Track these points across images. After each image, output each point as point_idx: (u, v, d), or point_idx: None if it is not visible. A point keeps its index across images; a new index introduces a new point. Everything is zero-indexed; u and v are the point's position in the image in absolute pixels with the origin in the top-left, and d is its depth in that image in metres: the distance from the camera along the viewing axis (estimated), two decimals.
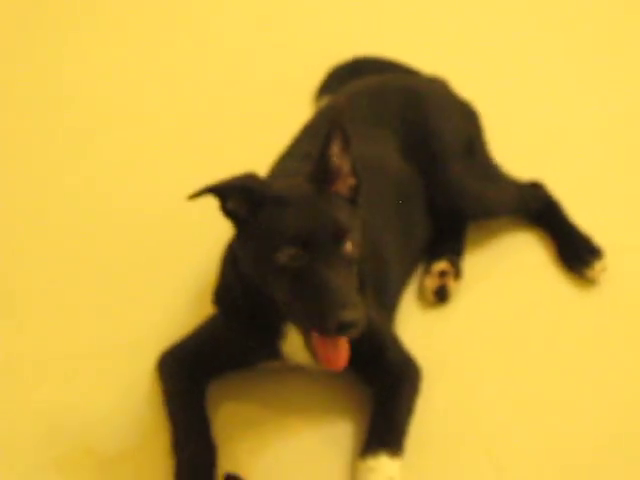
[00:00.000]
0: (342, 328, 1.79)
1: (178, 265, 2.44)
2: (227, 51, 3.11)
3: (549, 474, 2.05)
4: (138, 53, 3.14)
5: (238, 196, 1.88)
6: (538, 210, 2.51)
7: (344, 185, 1.93)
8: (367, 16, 3.23)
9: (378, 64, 2.76)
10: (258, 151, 2.47)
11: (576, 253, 2.44)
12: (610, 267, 2.42)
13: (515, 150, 2.65)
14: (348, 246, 1.86)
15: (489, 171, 2.49)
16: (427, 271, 2.38)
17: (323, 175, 1.90)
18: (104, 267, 2.45)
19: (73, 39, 3.17)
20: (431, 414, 2.11)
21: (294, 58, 3.04)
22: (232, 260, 2.02)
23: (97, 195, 2.64)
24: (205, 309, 2.20)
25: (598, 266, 2.40)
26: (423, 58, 2.87)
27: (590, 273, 2.40)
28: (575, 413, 2.16)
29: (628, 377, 2.24)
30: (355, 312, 1.79)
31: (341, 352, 1.89)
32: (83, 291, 2.40)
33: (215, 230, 2.26)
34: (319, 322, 1.81)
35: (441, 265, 2.37)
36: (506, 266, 2.46)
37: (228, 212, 1.90)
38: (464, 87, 2.63)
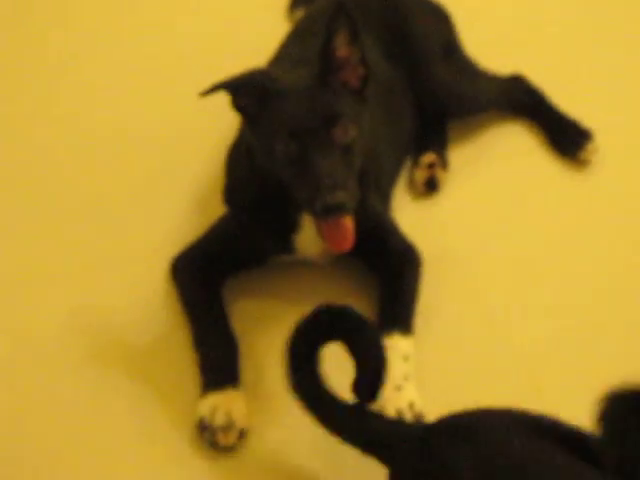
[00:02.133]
0: (328, 210, 1.90)
1: (182, 171, 2.48)
2: None
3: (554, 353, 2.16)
4: None
5: (248, 92, 1.96)
6: (522, 102, 2.60)
7: (353, 75, 2.00)
8: None
9: None
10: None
11: (566, 137, 2.53)
12: (601, 147, 2.51)
13: (490, 46, 2.71)
14: (339, 131, 1.94)
15: (469, 69, 2.56)
16: (415, 164, 2.47)
17: (328, 66, 1.96)
18: (110, 183, 2.49)
19: None
20: (432, 297, 2.21)
21: None
22: (243, 157, 2.10)
23: (93, 115, 2.67)
24: (212, 212, 2.26)
25: (590, 147, 2.50)
26: None
27: (583, 155, 2.50)
28: (574, 289, 2.27)
29: (627, 252, 2.35)
30: (339, 194, 1.88)
31: (345, 234, 1.99)
32: (93, 205, 2.44)
33: (213, 134, 2.36)
34: (310, 205, 1.92)
35: (428, 157, 2.46)
36: (493, 154, 2.55)
37: (239, 108, 1.98)
38: None
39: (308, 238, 2.11)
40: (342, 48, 1.96)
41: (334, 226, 1.98)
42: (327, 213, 1.90)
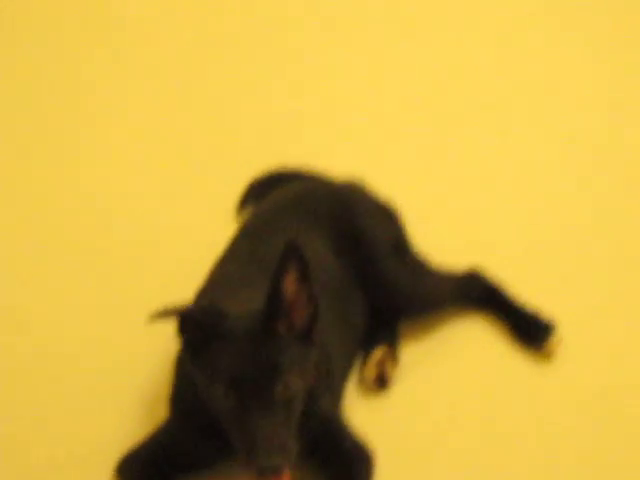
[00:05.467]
0: (263, 472, 1.87)
1: (129, 372, 2.46)
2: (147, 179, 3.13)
3: None
4: None
5: (194, 326, 1.94)
6: (479, 297, 2.59)
7: (301, 315, 1.97)
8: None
9: (296, 174, 2.86)
10: (188, 269, 2.56)
11: (529, 330, 2.51)
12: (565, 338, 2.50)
13: (445, 240, 2.76)
14: (280, 388, 1.91)
15: (420, 267, 2.56)
16: (365, 360, 2.46)
17: (274, 312, 1.94)
18: (53, 382, 2.47)
19: None
20: None
21: (211, 175, 3.10)
22: (185, 371, 2.07)
23: None
24: (159, 415, 2.25)
25: (553, 339, 2.49)
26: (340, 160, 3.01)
27: (547, 348, 2.49)
28: None
29: (589, 449, 2.32)
30: (275, 459, 1.86)
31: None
32: (34, 409, 2.41)
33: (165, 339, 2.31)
34: (245, 460, 1.89)
35: (378, 354, 2.45)
36: (448, 347, 2.53)
37: (183, 337, 1.97)
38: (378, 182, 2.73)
39: None
40: (290, 287, 1.94)
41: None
42: (261, 474, 1.87)
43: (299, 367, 1.94)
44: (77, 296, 2.71)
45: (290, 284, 1.93)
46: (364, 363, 2.46)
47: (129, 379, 2.45)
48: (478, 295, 2.60)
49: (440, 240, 2.74)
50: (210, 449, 2.13)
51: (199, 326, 1.93)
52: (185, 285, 2.40)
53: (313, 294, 1.96)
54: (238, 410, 1.90)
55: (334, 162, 2.96)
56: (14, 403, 2.43)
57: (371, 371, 2.44)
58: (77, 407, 2.40)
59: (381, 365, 2.44)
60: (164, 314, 1.91)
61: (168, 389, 2.21)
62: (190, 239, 2.86)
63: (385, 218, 2.57)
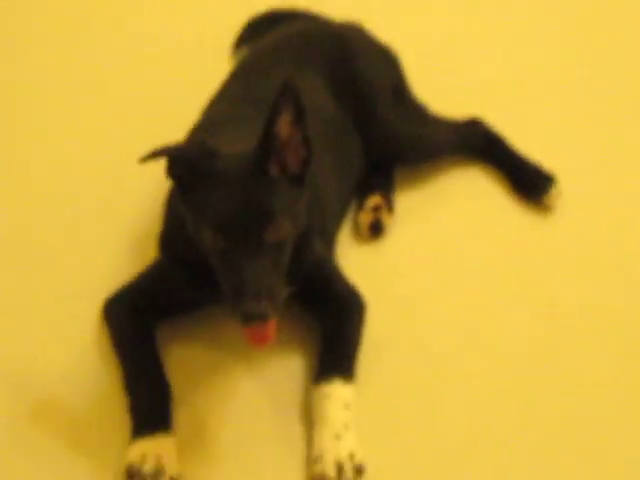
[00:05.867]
0: (247, 318, 1.81)
1: (117, 211, 2.42)
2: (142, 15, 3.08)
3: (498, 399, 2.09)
4: None
5: (184, 165, 1.87)
6: (479, 146, 2.55)
7: (294, 157, 1.90)
8: None
9: (292, 14, 2.77)
10: (182, 111, 2.48)
11: (529, 182, 2.48)
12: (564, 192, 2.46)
13: (445, 89, 2.68)
14: (271, 231, 1.84)
15: (420, 113, 2.51)
16: (361, 207, 2.42)
17: (267, 150, 1.87)
18: (46, 217, 2.43)
19: None
20: (376, 344, 2.14)
21: (207, 14, 3.03)
22: (176, 210, 2.00)
23: (29, 148, 2.63)
24: (147, 254, 2.20)
25: (554, 192, 2.45)
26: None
27: (547, 200, 2.45)
28: (526, 337, 2.20)
29: (587, 302, 2.28)
30: (262, 304, 1.80)
31: (264, 335, 1.89)
32: (25, 245, 2.37)
33: (154, 178, 2.29)
34: (231, 306, 1.83)
35: (374, 200, 2.41)
36: (443, 197, 2.49)
37: (174, 176, 1.90)
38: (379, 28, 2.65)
39: None
40: (285, 128, 1.86)
41: (254, 328, 1.89)
42: (246, 321, 1.81)
43: (290, 210, 1.87)
44: (72, 133, 2.66)
45: (284, 125, 1.86)
46: (359, 210, 2.42)
47: (117, 218, 2.41)
48: (478, 144, 2.55)
49: (439, 90, 2.66)
50: (198, 291, 2.09)
51: (189, 166, 1.86)
52: (178, 126, 2.34)
53: (307, 137, 1.89)
54: (227, 253, 1.84)
55: (332, 4, 2.88)
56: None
57: (366, 217, 2.39)
58: (64, 246, 2.36)
59: (376, 212, 2.39)
60: (155, 154, 1.84)
61: (157, 229, 2.16)
62: (184, 79, 2.79)
63: (384, 61, 2.50)
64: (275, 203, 1.85)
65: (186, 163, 1.87)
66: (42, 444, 1.99)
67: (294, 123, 1.87)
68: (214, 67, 2.73)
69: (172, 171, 1.89)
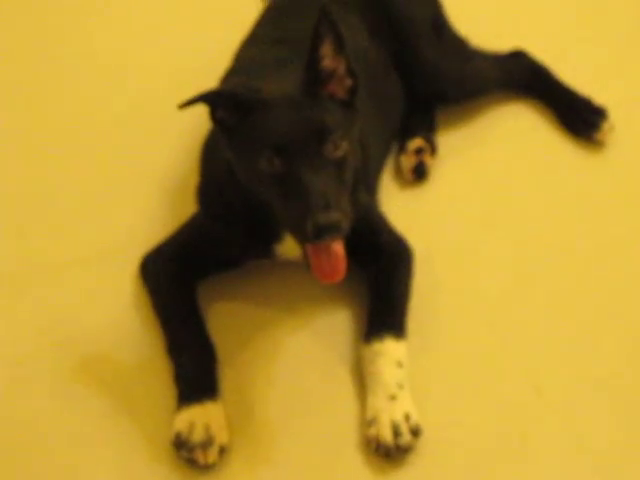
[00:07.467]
0: (320, 232, 1.73)
1: (150, 162, 2.36)
2: None
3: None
4: None
5: (227, 104, 1.81)
6: (525, 80, 2.46)
7: (340, 87, 1.85)
8: None
9: None
10: (211, 52, 2.44)
11: (579, 117, 2.39)
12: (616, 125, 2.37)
13: (485, 22, 2.60)
14: (330, 147, 1.78)
15: (462, 48, 2.42)
16: (403, 150, 2.33)
17: (314, 78, 1.82)
18: (79, 173, 2.37)
19: None
20: (424, 295, 2.06)
21: None
22: (219, 158, 1.95)
23: (59, 102, 2.58)
24: (182, 208, 2.15)
25: (605, 126, 2.36)
26: None
27: (599, 135, 2.36)
28: (576, 284, 2.13)
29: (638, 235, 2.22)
30: (333, 214, 1.72)
31: (336, 264, 1.83)
32: (60, 200, 2.32)
33: (186, 130, 2.24)
34: (299, 228, 1.76)
35: (416, 143, 2.32)
36: (489, 137, 2.42)
37: (217, 120, 1.84)
38: None
39: (290, 245, 1.95)
40: (328, 59, 1.82)
41: (324, 254, 1.82)
42: (319, 235, 1.73)
43: (345, 130, 1.82)
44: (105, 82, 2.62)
45: (327, 51, 1.81)
46: (401, 153, 2.34)
47: (151, 173, 2.34)
48: (523, 77, 2.46)
49: (477, 21, 2.56)
50: (239, 246, 2.03)
51: (236, 103, 1.81)
52: (212, 72, 2.25)
53: (351, 66, 1.84)
54: (288, 176, 1.77)
55: None
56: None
57: (408, 161, 2.31)
58: (99, 202, 2.31)
59: (419, 154, 2.31)
60: (196, 99, 1.79)
61: (193, 183, 2.09)
62: (215, 22, 2.72)
63: None
64: (329, 120, 1.80)
65: (232, 101, 1.82)
66: (86, 399, 1.95)
67: (336, 52, 1.82)
68: (244, 10, 2.59)
69: (216, 114, 1.84)
